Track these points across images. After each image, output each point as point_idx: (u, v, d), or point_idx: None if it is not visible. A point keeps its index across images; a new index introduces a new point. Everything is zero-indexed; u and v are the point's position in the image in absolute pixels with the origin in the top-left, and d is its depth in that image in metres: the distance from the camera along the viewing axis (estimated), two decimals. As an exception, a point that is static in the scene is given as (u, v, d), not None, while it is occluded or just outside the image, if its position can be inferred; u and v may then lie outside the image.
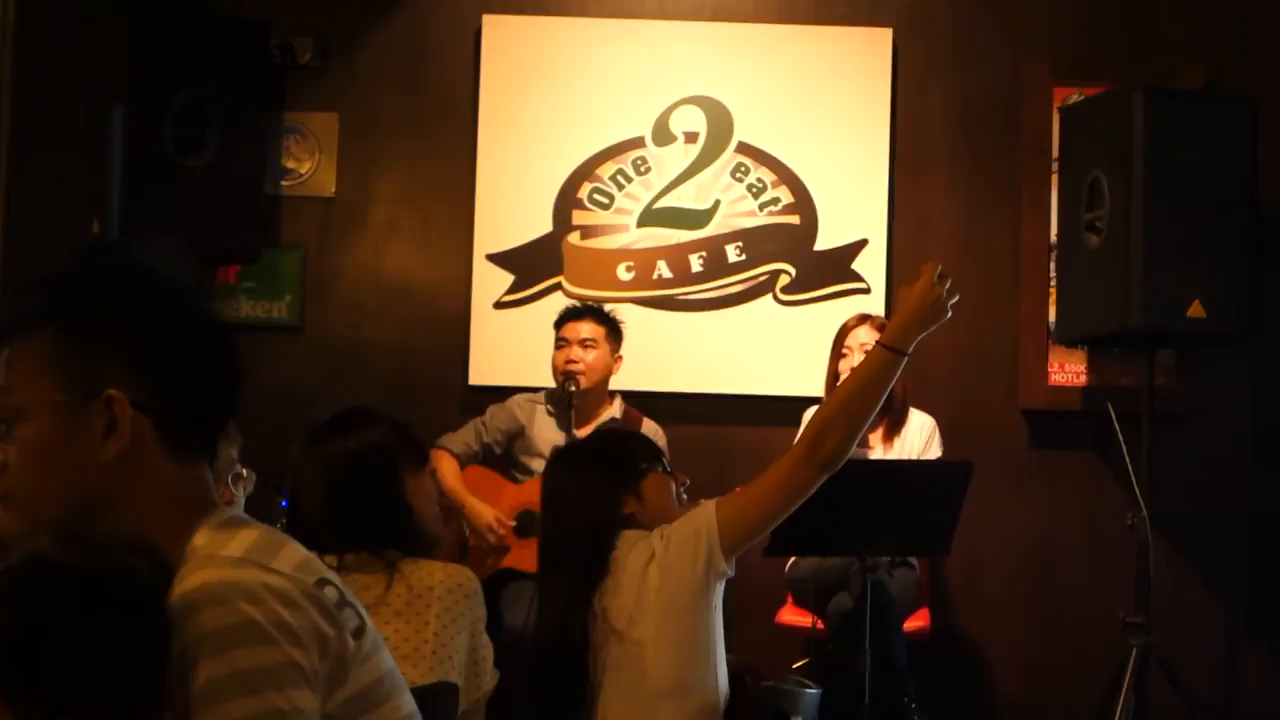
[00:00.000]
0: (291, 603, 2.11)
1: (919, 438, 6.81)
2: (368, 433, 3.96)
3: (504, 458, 6.85)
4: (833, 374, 6.79)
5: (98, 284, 2.24)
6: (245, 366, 2.31)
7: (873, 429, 6.72)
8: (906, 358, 4.20)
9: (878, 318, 6.89)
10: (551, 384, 6.78)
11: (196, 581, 2.11)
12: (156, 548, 2.15)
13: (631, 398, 7.00)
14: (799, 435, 6.66)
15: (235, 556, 2.14)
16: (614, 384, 6.92)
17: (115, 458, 2.17)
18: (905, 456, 6.73)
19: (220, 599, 2.08)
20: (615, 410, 6.83)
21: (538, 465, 6.68)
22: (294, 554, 2.19)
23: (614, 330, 6.79)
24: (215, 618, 2.07)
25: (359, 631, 2.19)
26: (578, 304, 6.97)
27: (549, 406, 6.85)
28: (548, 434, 6.77)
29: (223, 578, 2.11)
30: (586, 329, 6.73)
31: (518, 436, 6.83)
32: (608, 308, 6.93)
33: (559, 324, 6.80)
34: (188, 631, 2.08)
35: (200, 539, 2.18)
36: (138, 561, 2.14)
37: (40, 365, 2.19)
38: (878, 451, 6.76)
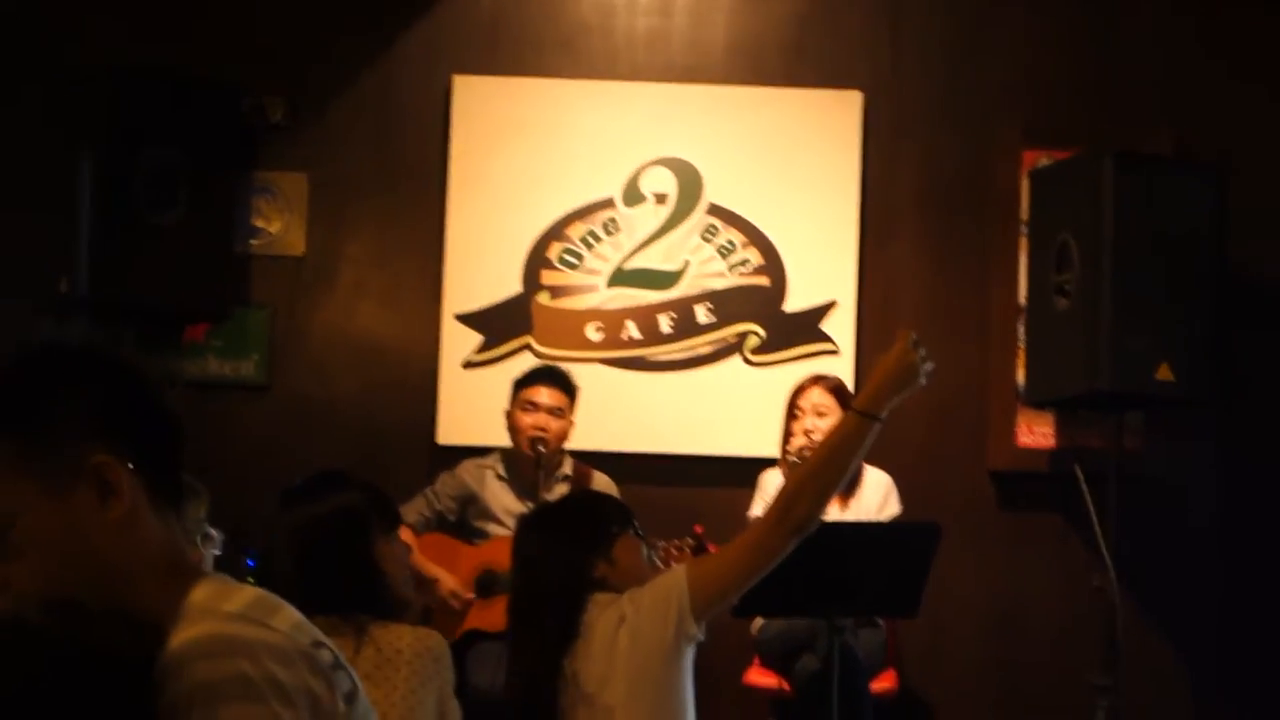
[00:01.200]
0: (286, 661, 2.11)
1: (875, 495, 6.80)
2: (339, 497, 3.98)
3: (457, 524, 6.83)
4: (786, 435, 6.80)
5: (32, 373, 2.22)
6: (191, 425, 2.30)
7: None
8: (879, 423, 4.17)
9: (831, 378, 6.88)
10: (502, 444, 6.80)
11: (194, 634, 2.11)
12: (147, 613, 2.15)
13: (600, 458, 7.01)
14: (756, 498, 6.72)
15: (234, 612, 2.14)
16: (585, 445, 6.95)
17: (120, 521, 2.15)
18: (863, 515, 6.72)
19: (216, 652, 2.09)
20: (566, 468, 6.83)
21: (493, 529, 6.72)
22: (290, 615, 2.20)
23: (574, 396, 6.81)
24: (210, 670, 2.07)
25: (351, 696, 2.20)
26: (543, 366, 6.97)
27: (499, 469, 6.85)
28: (501, 498, 6.78)
29: (221, 631, 2.11)
30: (555, 397, 6.74)
31: (470, 502, 6.83)
32: (564, 368, 6.94)
33: (525, 385, 6.79)
34: (181, 682, 2.08)
35: (198, 595, 2.17)
36: (121, 631, 2.14)
37: (11, 472, 2.17)
38: (834, 512, 6.74)
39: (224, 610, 2.15)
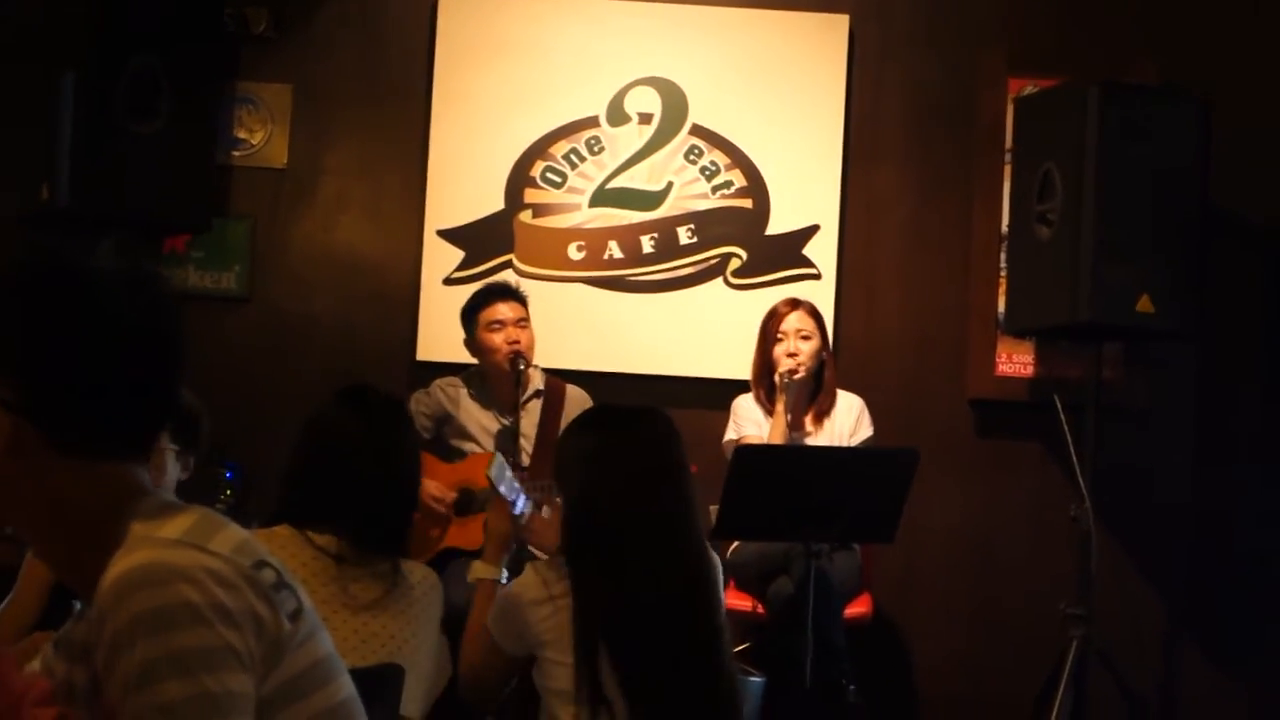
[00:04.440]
0: (228, 584, 2.09)
1: (848, 418, 6.81)
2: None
3: (433, 443, 6.82)
4: (762, 360, 6.81)
5: (0, 286, 2.21)
6: (177, 362, 2.26)
7: (803, 416, 6.75)
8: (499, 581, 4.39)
9: (806, 303, 6.88)
10: (463, 367, 6.83)
11: (132, 562, 2.09)
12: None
13: (579, 377, 7.00)
14: (730, 424, 6.75)
15: (172, 538, 2.12)
16: (565, 364, 6.96)
17: (4, 457, 2.14)
18: (835, 438, 6.74)
19: (157, 580, 2.06)
20: (538, 382, 6.82)
21: (470, 447, 6.72)
22: (232, 536, 2.17)
23: (527, 305, 6.79)
24: (152, 598, 2.05)
25: (295, 614, 2.17)
26: (489, 284, 6.94)
27: (469, 390, 6.84)
28: (476, 416, 6.77)
29: (159, 558, 2.09)
30: (515, 309, 6.71)
31: (445, 422, 6.82)
32: (513, 281, 6.95)
33: (481, 306, 6.75)
34: (122, 612, 2.05)
35: (137, 525, 2.15)
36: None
37: None
38: (811, 438, 6.77)
39: (162, 537, 2.12)
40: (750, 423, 6.79)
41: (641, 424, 4.14)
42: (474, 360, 6.82)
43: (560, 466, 4.11)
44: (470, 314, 6.78)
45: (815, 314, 6.82)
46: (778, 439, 6.58)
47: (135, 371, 2.20)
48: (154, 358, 2.23)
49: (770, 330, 6.80)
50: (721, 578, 4.11)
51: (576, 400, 6.71)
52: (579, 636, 3.85)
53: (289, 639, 2.15)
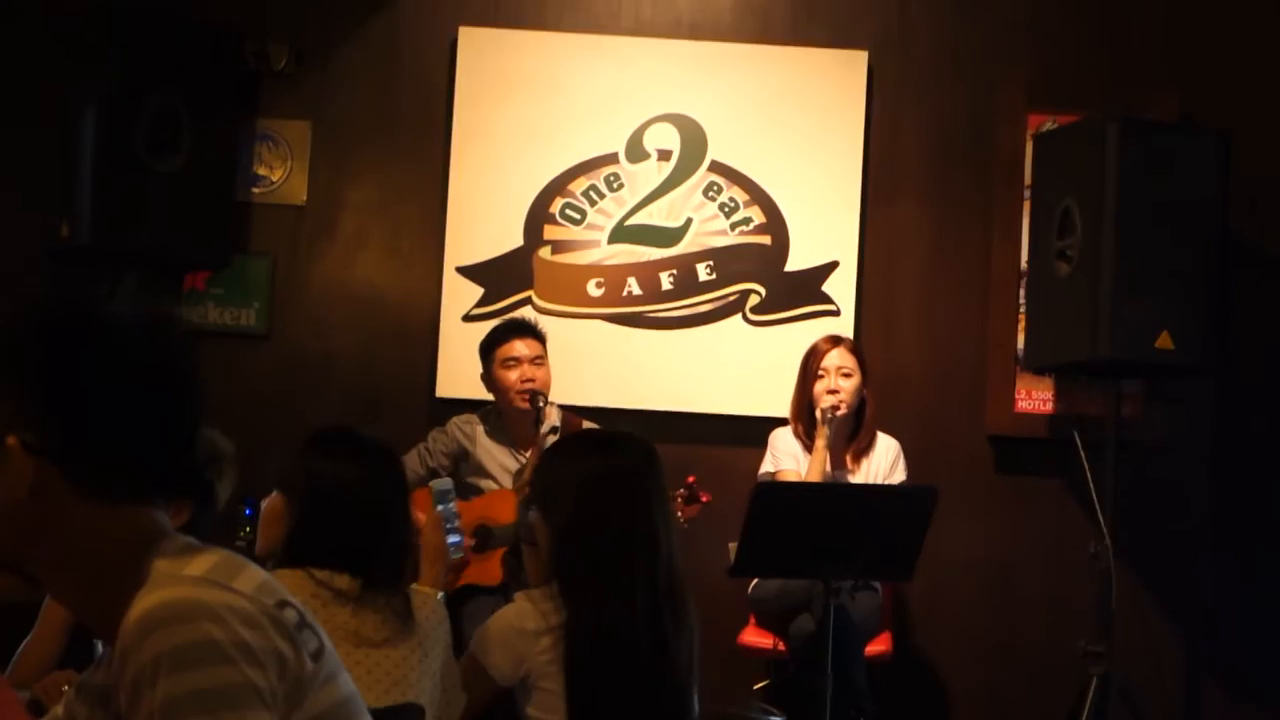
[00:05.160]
0: (252, 623, 2.09)
1: (885, 459, 6.83)
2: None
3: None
4: (802, 398, 6.80)
5: (21, 329, 2.21)
6: (195, 406, 2.25)
7: (843, 453, 6.76)
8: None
9: (848, 340, 6.91)
10: (481, 404, 6.81)
11: (156, 599, 2.08)
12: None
13: (598, 414, 7.00)
14: (766, 456, 6.74)
15: (196, 576, 2.12)
16: (584, 400, 6.96)
17: (25, 498, 2.14)
18: (872, 478, 6.75)
19: (181, 617, 2.06)
20: (555, 419, 6.81)
21: (487, 484, 6.72)
22: (254, 576, 2.17)
23: (545, 342, 6.79)
24: (176, 635, 2.04)
25: (317, 654, 2.17)
26: (507, 320, 6.94)
27: (485, 426, 6.83)
28: (493, 453, 6.77)
29: (183, 595, 2.08)
30: (531, 346, 6.72)
31: (463, 459, 6.81)
32: (530, 318, 6.94)
33: (498, 344, 6.75)
34: (146, 649, 2.05)
35: (161, 562, 2.15)
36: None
37: None
38: (850, 475, 6.77)
39: (186, 574, 2.12)
40: (788, 456, 6.79)
41: (625, 448, 4.18)
42: (491, 397, 6.82)
43: (544, 493, 4.11)
44: (487, 350, 6.78)
45: (856, 351, 6.84)
46: (815, 476, 6.58)
47: (154, 415, 2.21)
48: (173, 401, 2.23)
49: (811, 367, 6.80)
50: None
51: (592, 436, 6.71)
52: (570, 659, 3.87)
53: (311, 679, 2.15)
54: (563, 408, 6.89)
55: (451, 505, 4.77)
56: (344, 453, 4.06)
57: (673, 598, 3.98)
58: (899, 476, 6.80)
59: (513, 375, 6.67)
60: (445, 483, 4.74)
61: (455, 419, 6.89)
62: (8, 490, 2.15)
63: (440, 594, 4.41)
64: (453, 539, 4.73)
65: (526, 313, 7.25)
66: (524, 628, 3.98)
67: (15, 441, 2.14)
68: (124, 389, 2.19)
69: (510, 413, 6.72)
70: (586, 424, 6.81)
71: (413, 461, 6.72)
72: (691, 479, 6.36)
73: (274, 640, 2.10)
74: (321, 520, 3.94)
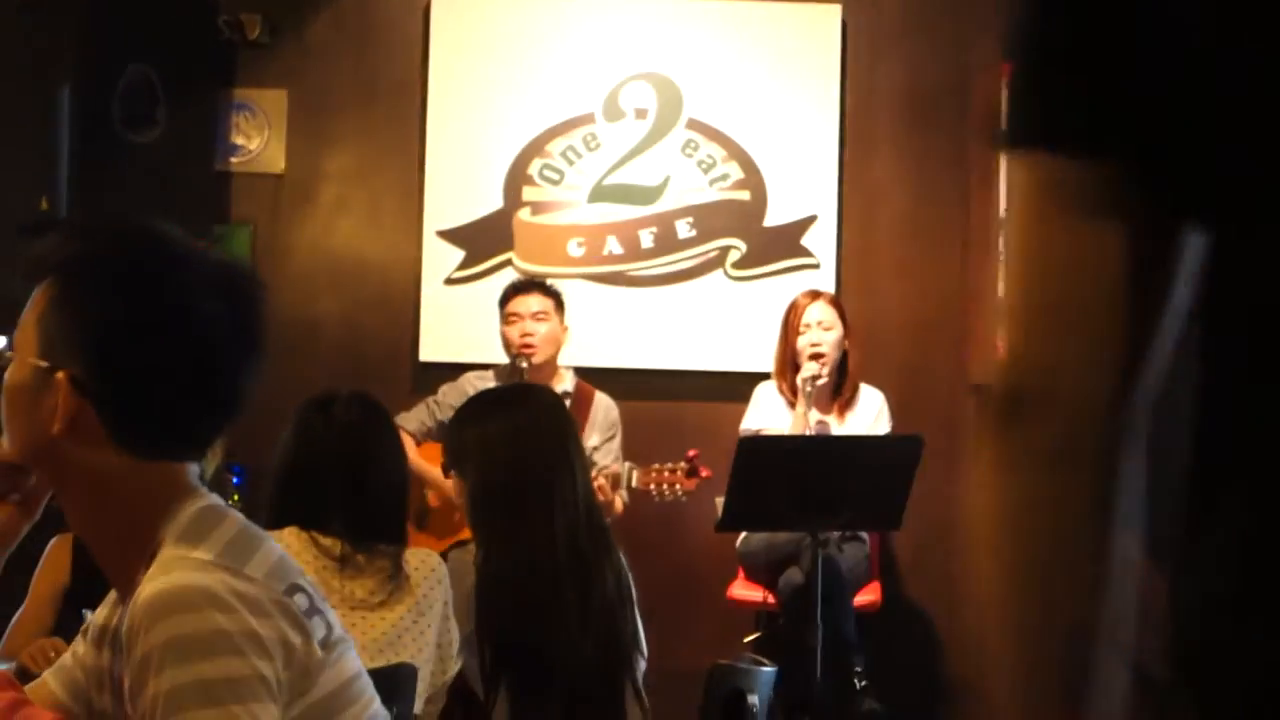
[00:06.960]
0: (261, 611, 2.08)
1: (869, 412, 6.83)
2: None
3: None
4: (785, 353, 6.80)
5: (104, 256, 2.22)
6: (253, 365, 2.28)
7: (827, 405, 6.77)
8: None
9: (828, 293, 6.92)
10: (500, 359, 6.77)
11: (166, 584, 2.07)
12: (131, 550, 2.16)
13: (582, 373, 6.99)
14: (749, 412, 6.74)
15: (206, 560, 2.11)
16: (566, 360, 6.93)
17: (60, 435, 2.14)
18: (856, 429, 6.76)
19: (189, 605, 2.05)
20: (566, 383, 6.79)
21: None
22: (268, 556, 2.16)
23: (559, 302, 6.74)
24: (183, 624, 2.04)
25: (326, 641, 2.16)
26: (520, 279, 6.95)
27: (499, 383, 6.82)
28: None
29: (192, 582, 2.07)
30: (536, 302, 6.69)
31: None
32: (549, 280, 6.92)
33: (505, 300, 6.75)
34: (154, 635, 2.04)
35: (169, 535, 2.14)
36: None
37: (35, 318, 2.19)
38: (831, 424, 6.78)
39: (195, 558, 2.11)
40: (771, 412, 6.79)
41: (525, 401, 4.20)
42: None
43: (454, 456, 4.12)
44: (499, 306, 6.75)
45: (836, 304, 6.83)
46: None
47: (212, 376, 2.22)
48: (236, 363, 2.25)
49: (792, 322, 6.79)
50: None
51: (603, 409, 6.69)
52: (480, 599, 3.88)
53: (319, 666, 2.14)
54: (579, 374, 6.85)
55: None
56: (320, 410, 4.10)
57: (593, 535, 3.95)
58: (884, 428, 6.80)
59: (513, 331, 6.65)
60: None
61: (469, 374, 6.82)
62: (42, 422, 2.15)
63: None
64: None
65: (507, 274, 7.25)
66: (466, 580, 4.01)
67: (64, 378, 2.14)
68: (185, 339, 2.19)
69: (517, 370, 6.71)
70: (600, 395, 6.78)
71: (421, 414, 6.72)
72: (694, 453, 6.36)
73: (283, 629, 2.09)
74: (300, 474, 3.96)
